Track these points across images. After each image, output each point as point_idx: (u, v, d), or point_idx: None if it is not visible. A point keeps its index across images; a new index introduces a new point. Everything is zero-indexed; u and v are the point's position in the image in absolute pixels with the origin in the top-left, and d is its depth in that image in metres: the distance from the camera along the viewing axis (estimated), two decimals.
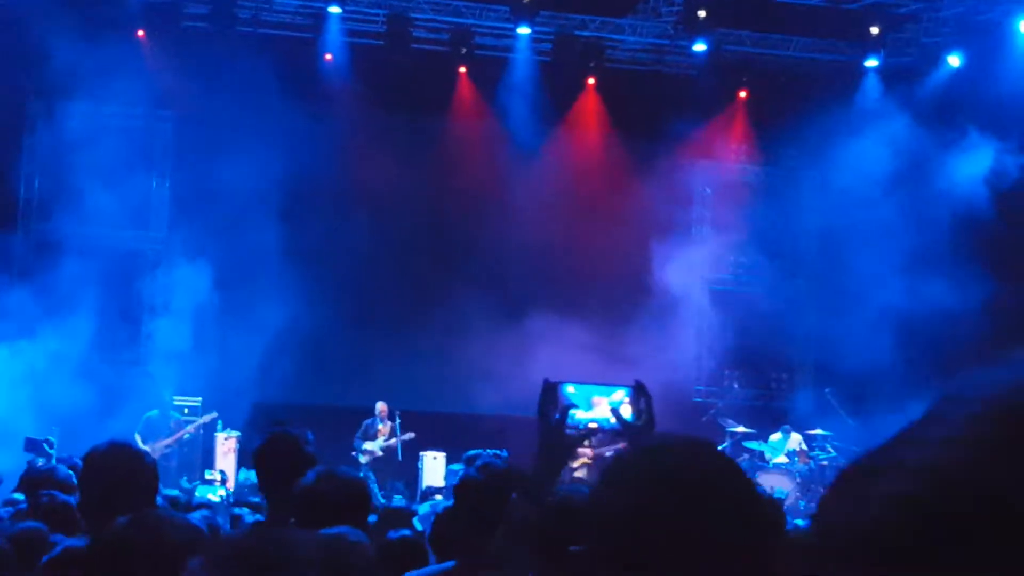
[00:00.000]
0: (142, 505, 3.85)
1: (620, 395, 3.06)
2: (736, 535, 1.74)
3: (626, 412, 3.04)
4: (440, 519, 5.18)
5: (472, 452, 11.68)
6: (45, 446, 11.76)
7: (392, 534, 5.44)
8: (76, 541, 3.61)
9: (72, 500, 5.67)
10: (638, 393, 3.02)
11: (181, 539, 2.66)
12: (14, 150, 16.64)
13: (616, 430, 3.02)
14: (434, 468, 16.15)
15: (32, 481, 6.56)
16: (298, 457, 4.47)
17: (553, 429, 2.96)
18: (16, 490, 6.74)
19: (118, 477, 3.99)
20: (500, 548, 3.33)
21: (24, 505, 6.20)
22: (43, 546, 4.13)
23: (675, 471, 1.77)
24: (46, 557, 3.61)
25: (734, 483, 1.80)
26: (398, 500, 13.79)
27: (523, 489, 3.09)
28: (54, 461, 11.05)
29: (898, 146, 17.50)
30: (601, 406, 3.06)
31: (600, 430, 3.05)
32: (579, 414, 3.05)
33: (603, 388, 3.09)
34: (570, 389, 3.06)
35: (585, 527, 1.78)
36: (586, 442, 15.20)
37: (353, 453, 15.52)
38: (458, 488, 3.99)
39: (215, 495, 12.35)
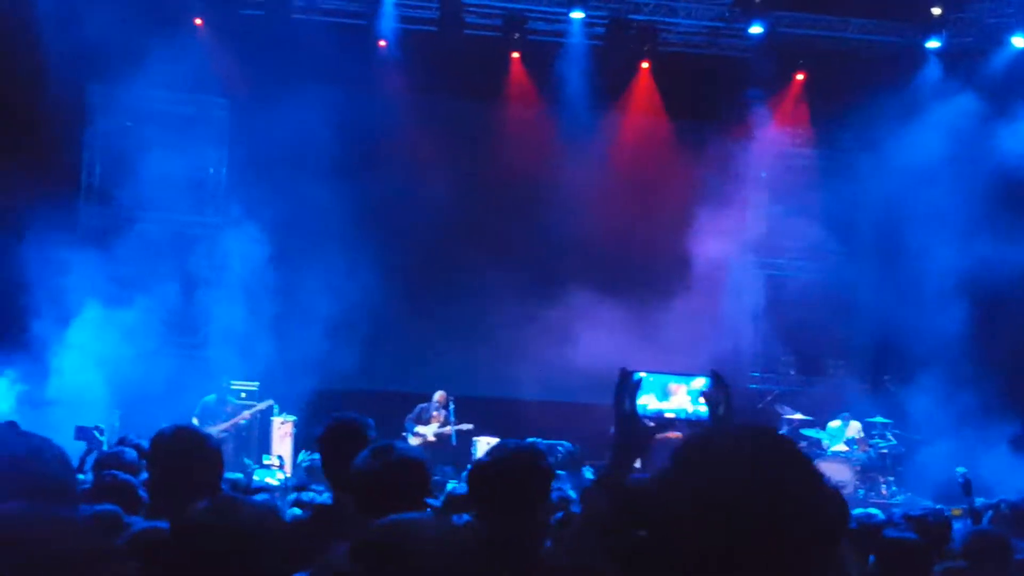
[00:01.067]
0: (208, 488, 3.88)
1: (700, 383, 3.03)
2: (801, 525, 1.72)
3: (701, 403, 3.00)
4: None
5: (530, 439, 11.63)
6: (95, 433, 11.87)
7: (456, 519, 5.44)
8: (151, 523, 3.64)
9: (135, 480, 5.74)
10: (717, 382, 2.98)
11: (261, 523, 2.67)
12: (75, 137, 16.85)
13: (693, 420, 2.99)
14: None
15: (101, 463, 6.63)
16: (361, 444, 4.50)
17: (629, 419, 2.92)
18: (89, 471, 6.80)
19: (184, 460, 4.06)
20: (574, 536, 3.32)
21: (87, 485, 6.26)
22: (118, 527, 4.17)
23: (744, 458, 1.75)
24: (123, 539, 3.64)
25: (801, 473, 1.78)
26: (452, 485, 13.75)
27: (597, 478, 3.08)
28: (104, 447, 11.17)
29: (958, 128, 17.25)
30: (678, 394, 3.02)
31: (676, 421, 3.01)
32: (653, 404, 3.02)
33: (679, 377, 3.05)
34: (643, 374, 3.02)
35: (652, 511, 1.76)
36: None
37: (404, 434, 15.57)
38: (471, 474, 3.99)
39: (274, 479, 12.45)
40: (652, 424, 3.02)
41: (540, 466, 3.79)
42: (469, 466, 14.58)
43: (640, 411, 2.99)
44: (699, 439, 1.78)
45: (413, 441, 15.61)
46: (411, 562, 2.51)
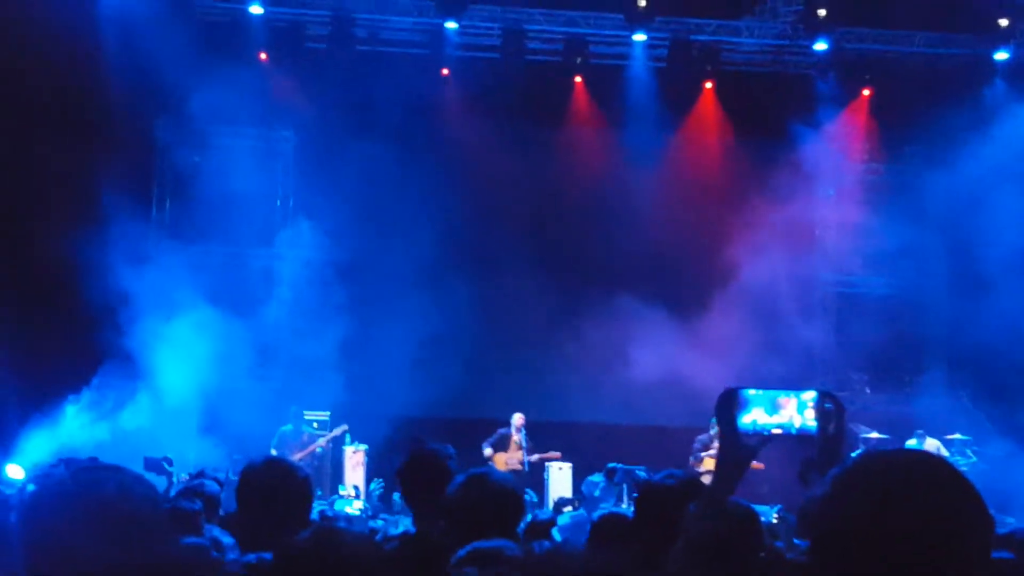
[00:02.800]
0: (298, 519, 3.88)
1: (810, 395, 2.96)
2: (962, 553, 1.69)
3: (810, 417, 2.94)
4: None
5: (611, 465, 11.64)
6: (164, 464, 12.00)
7: (537, 547, 5.39)
8: (255, 555, 3.63)
9: (198, 507, 5.76)
10: (825, 398, 2.92)
11: (363, 552, 2.66)
12: (145, 172, 17.12)
13: (803, 435, 2.92)
14: (560, 479, 16.10)
15: (180, 495, 6.67)
16: (442, 474, 4.49)
17: (731, 439, 2.88)
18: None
19: (276, 491, 4.03)
20: (678, 560, 3.28)
21: None
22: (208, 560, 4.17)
23: (908, 483, 1.73)
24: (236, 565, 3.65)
25: (965, 499, 1.75)
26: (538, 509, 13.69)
27: (701, 500, 3.04)
28: (174, 479, 11.27)
29: None
30: (788, 407, 2.95)
31: (786, 436, 2.95)
32: (762, 418, 2.96)
33: (789, 391, 2.99)
34: (751, 391, 2.96)
35: (814, 534, 1.75)
36: (716, 448, 15.15)
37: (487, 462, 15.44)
38: (641, 497, 3.93)
39: (352, 509, 12.49)
40: (755, 443, 2.96)
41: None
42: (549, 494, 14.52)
43: (748, 427, 2.93)
44: (861, 464, 1.78)
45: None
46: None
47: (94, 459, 7.96)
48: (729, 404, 2.93)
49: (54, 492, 2.34)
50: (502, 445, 15.82)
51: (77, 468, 2.43)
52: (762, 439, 2.96)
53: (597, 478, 14.02)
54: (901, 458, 1.83)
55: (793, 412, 2.95)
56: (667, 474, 3.84)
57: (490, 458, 15.59)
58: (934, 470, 1.77)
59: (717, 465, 2.97)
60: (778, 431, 2.94)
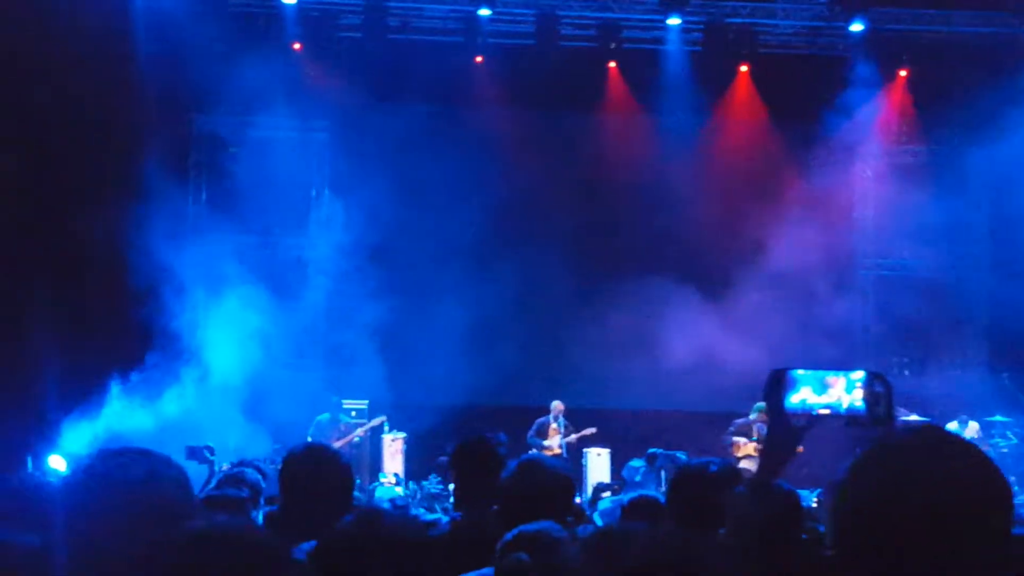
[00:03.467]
0: (341, 505, 3.89)
1: (859, 375, 2.93)
2: (982, 537, 1.68)
3: (857, 397, 2.91)
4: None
5: (652, 450, 11.62)
6: (206, 452, 12.09)
7: (580, 531, 5.40)
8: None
9: (245, 494, 5.79)
10: (874, 379, 2.90)
11: (408, 535, 2.66)
12: (182, 164, 17.20)
13: (853, 415, 2.89)
14: (599, 464, 16.11)
15: (223, 485, 6.70)
16: (493, 459, 4.51)
17: (779, 419, 2.86)
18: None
19: (318, 478, 4.05)
20: (725, 541, 3.27)
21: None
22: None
23: (929, 458, 1.71)
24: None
25: (988, 483, 1.73)
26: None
27: (749, 483, 3.03)
28: (216, 467, 11.34)
29: None
30: (836, 387, 2.93)
31: (834, 415, 2.93)
32: (811, 398, 2.94)
33: (838, 371, 2.96)
34: (800, 372, 2.94)
35: (835, 516, 1.74)
36: (755, 433, 15.09)
37: (532, 451, 15.49)
38: (677, 480, 3.93)
39: (393, 496, 12.52)
40: (803, 423, 2.94)
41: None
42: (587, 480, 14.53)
43: (796, 407, 2.91)
44: (876, 448, 1.76)
45: None
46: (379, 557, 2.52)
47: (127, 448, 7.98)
48: (777, 385, 2.91)
49: (83, 477, 2.35)
50: (542, 433, 15.85)
51: (106, 453, 2.44)
52: (811, 419, 2.94)
53: (638, 463, 14.00)
54: (914, 439, 1.80)
55: (842, 392, 2.92)
56: (707, 461, 3.83)
57: (543, 447, 15.67)
58: (949, 448, 1.76)
59: (765, 445, 2.95)
60: (826, 411, 2.92)
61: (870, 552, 1.73)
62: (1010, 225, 17.14)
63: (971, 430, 16.10)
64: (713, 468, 3.80)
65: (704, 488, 3.68)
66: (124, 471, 2.35)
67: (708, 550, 2.02)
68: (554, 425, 15.89)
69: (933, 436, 1.83)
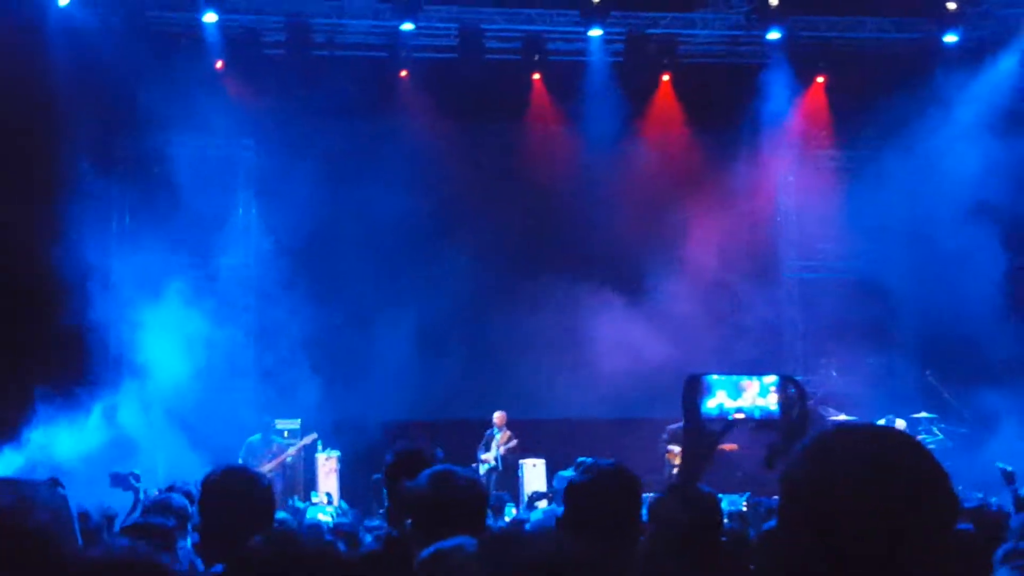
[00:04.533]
0: (260, 527, 3.89)
1: (771, 379, 2.99)
2: (923, 518, 1.74)
3: (772, 401, 2.97)
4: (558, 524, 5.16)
5: (581, 459, 11.61)
6: (131, 479, 11.91)
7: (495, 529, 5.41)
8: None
9: (172, 523, 5.73)
10: (787, 383, 2.96)
11: (318, 554, 2.69)
12: (103, 185, 16.92)
13: (765, 420, 2.94)
14: (534, 475, 16.17)
15: (148, 512, 6.63)
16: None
17: (696, 426, 2.92)
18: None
19: (236, 501, 4.03)
20: (647, 545, 3.33)
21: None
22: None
23: (873, 451, 1.78)
24: None
25: (926, 468, 1.80)
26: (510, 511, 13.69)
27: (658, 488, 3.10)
28: (142, 494, 11.19)
29: (982, 120, 17.21)
30: (750, 391, 2.98)
31: (748, 420, 2.98)
32: (727, 403, 2.99)
33: (751, 376, 3.02)
34: (714, 376, 2.99)
35: (783, 508, 1.79)
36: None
37: (474, 465, 15.47)
38: (567, 492, 3.95)
39: (325, 515, 12.45)
40: (719, 428, 3.00)
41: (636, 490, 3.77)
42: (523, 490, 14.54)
43: (713, 412, 2.97)
44: (826, 438, 1.81)
45: (481, 470, 15.59)
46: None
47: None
48: (693, 390, 2.96)
49: None
50: (488, 446, 15.96)
51: None
52: (726, 424, 2.99)
53: (568, 473, 14.06)
54: (866, 431, 1.86)
55: (755, 396, 2.97)
56: (585, 467, 3.83)
57: (481, 461, 15.74)
58: (898, 443, 1.82)
59: (683, 452, 3.00)
60: (740, 415, 2.97)
61: (810, 533, 1.78)
62: (927, 225, 17.49)
63: (898, 426, 16.38)
64: (587, 477, 3.79)
65: (589, 497, 3.70)
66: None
67: (598, 555, 2.07)
68: (497, 436, 15.97)
69: (884, 429, 1.89)
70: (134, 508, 9.36)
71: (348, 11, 17.52)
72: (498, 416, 16.05)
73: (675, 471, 15.42)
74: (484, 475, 15.47)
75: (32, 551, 2.04)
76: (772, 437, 3.07)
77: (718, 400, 3.03)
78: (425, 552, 3.14)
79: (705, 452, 3.06)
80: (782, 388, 3.01)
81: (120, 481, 11.13)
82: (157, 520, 5.66)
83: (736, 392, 3.02)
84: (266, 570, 2.61)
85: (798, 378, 3.14)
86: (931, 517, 1.79)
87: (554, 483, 14.46)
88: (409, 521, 3.88)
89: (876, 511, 1.76)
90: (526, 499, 14.83)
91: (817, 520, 1.77)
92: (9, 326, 14.63)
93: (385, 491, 4.84)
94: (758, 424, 3.00)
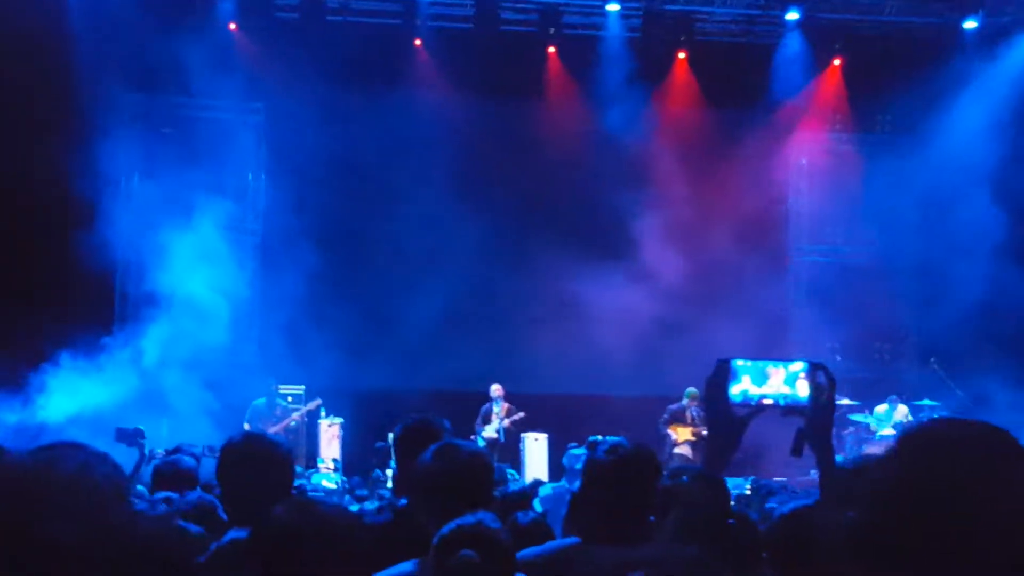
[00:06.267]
0: (280, 494, 3.87)
1: (798, 366, 2.96)
2: (1013, 521, 1.69)
3: (802, 388, 2.94)
4: (574, 501, 5.15)
5: (593, 438, 11.57)
6: (137, 436, 11.88)
7: (521, 516, 5.41)
8: (237, 533, 3.63)
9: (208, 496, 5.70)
10: (816, 369, 2.93)
11: (341, 523, 2.67)
12: (111, 147, 16.85)
13: (792, 406, 2.91)
14: (536, 449, 16.17)
15: (159, 476, 6.61)
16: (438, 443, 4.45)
17: (722, 409, 2.88)
18: (153, 487, 6.76)
19: (257, 467, 4.00)
20: (666, 527, 3.31)
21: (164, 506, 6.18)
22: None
23: (975, 450, 1.72)
24: (214, 545, 3.66)
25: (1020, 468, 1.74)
26: (515, 482, 13.66)
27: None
28: (147, 450, 11.18)
29: (999, 107, 17.13)
30: (775, 378, 2.95)
31: (775, 406, 2.95)
32: (752, 389, 2.95)
33: (777, 362, 2.98)
34: (740, 362, 2.96)
35: (865, 496, 1.74)
36: (689, 418, 15.27)
37: (472, 437, 15.44)
38: (587, 471, 3.92)
39: (330, 482, 12.47)
40: (745, 414, 2.97)
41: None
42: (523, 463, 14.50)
43: (738, 398, 2.94)
44: (923, 431, 1.76)
45: (481, 443, 15.55)
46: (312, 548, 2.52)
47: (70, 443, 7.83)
48: (721, 375, 2.93)
49: (9, 472, 2.29)
50: (486, 420, 15.89)
51: (35, 447, 2.39)
52: (752, 409, 2.96)
53: (579, 451, 14.04)
54: (973, 427, 1.81)
55: (781, 382, 2.95)
56: (609, 446, 3.80)
57: (483, 436, 15.69)
58: (1009, 443, 1.76)
59: (709, 437, 2.97)
60: (768, 401, 2.93)
61: (904, 527, 1.72)
62: (941, 212, 17.43)
63: (900, 413, 16.40)
64: (610, 457, 3.75)
65: (607, 477, 3.68)
66: (56, 465, 2.31)
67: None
68: (496, 409, 15.91)
69: (991, 428, 1.78)
70: (139, 466, 9.36)
71: None
72: (496, 388, 15.98)
73: (675, 450, 15.45)
74: (486, 448, 15.44)
75: (93, 522, 2.01)
76: (781, 423, 3.04)
77: (743, 386, 3.00)
78: (445, 529, 3.10)
79: (733, 436, 3.03)
80: (811, 375, 2.98)
81: (125, 437, 11.08)
82: (208, 497, 5.61)
83: (762, 378, 3.00)
84: (291, 537, 2.58)
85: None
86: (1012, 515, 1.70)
87: (563, 460, 14.43)
88: (412, 496, 3.85)
89: (977, 512, 1.67)
90: (528, 475, 14.81)
91: (909, 515, 1.71)
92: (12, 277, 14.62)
93: (394, 462, 4.79)
94: (784, 410, 2.98)
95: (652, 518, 3.67)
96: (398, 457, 4.66)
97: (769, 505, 6.52)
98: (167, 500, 5.69)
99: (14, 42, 14.41)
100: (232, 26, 17.43)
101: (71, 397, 14.39)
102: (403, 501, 4.50)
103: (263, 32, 17.27)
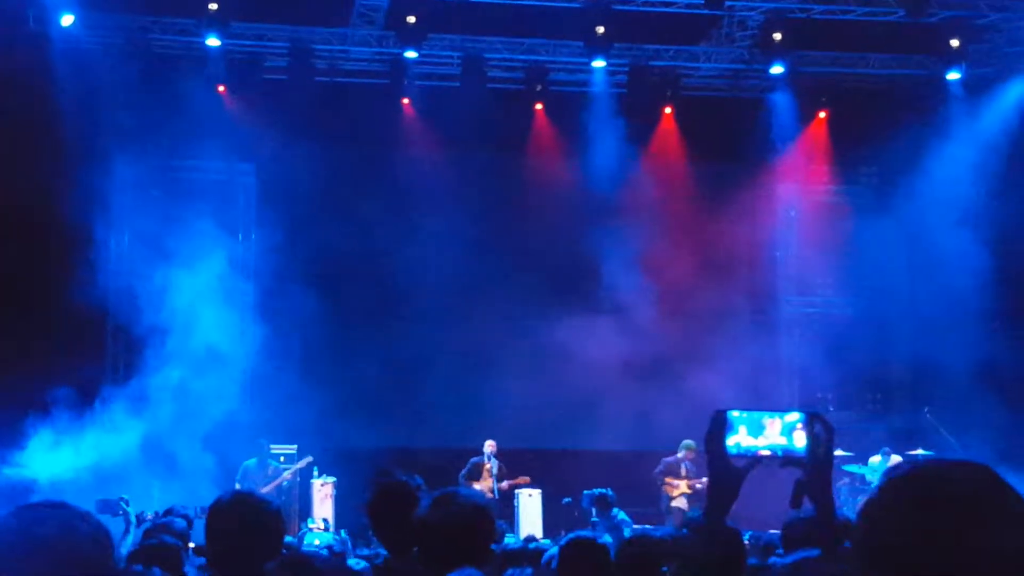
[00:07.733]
0: (270, 552, 3.84)
1: (794, 417, 2.94)
2: (1012, 561, 1.68)
3: (799, 439, 2.93)
4: None
5: (588, 491, 11.58)
6: (121, 504, 11.76)
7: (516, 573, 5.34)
8: None
9: (179, 543, 5.68)
10: (813, 419, 2.91)
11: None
12: (101, 208, 16.85)
13: (789, 457, 2.90)
14: (530, 505, 16.06)
15: (149, 536, 6.57)
16: (411, 503, 4.40)
17: (721, 460, 2.87)
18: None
19: (246, 527, 3.96)
20: None
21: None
22: None
23: (958, 492, 1.72)
24: None
25: (1014, 507, 1.73)
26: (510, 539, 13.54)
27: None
28: (134, 515, 11.07)
29: (984, 159, 17.26)
30: (772, 429, 2.93)
31: (773, 457, 2.92)
32: (747, 440, 2.93)
33: (773, 412, 2.96)
34: (735, 413, 2.94)
35: (862, 544, 1.73)
36: (683, 471, 15.22)
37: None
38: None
39: (322, 542, 12.32)
40: (744, 464, 2.94)
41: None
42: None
43: (734, 450, 2.92)
44: (912, 474, 1.75)
45: None
46: None
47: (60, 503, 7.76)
48: (719, 426, 2.91)
49: None
50: (475, 474, 15.73)
51: (19, 506, 2.36)
52: (750, 461, 2.94)
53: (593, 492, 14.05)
54: (957, 465, 1.80)
55: (777, 433, 2.93)
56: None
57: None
58: (995, 482, 1.76)
59: (709, 488, 2.95)
60: (766, 452, 2.91)
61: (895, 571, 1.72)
62: (929, 261, 17.51)
63: (894, 463, 16.34)
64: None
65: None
66: (38, 525, 2.28)
67: None
68: (488, 465, 15.80)
69: (976, 467, 1.78)
70: (126, 533, 9.25)
71: (351, 38, 17.54)
72: (489, 444, 15.88)
73: (672, 503, 15.39)
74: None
75: None
76: (796, 474, 3.03)
77: (739, 437, 2.98)
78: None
79: (733, 487, 3.00)
80: (809, 425, 2.96)
81: (108, 507, 10.94)
82: (169, 539, 5.60)
83: (758, 429, 2.97)
84: None
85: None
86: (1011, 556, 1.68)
87: (583, 502, 14.37)
88: (416, 549, 3.81)
89: (969, 555, 1.67)
90: (523, 532, 14.70)
91: (897, 560, 1.71)
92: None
93: (369, 522, 4.74)
94: (783, 461, 2.96)
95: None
96: (373, 520, 4.61)
97: (772, 560, 6.43)
98: None
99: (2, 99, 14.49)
100: (221, 88, 17.51)
101: (59, 455, 14.28)
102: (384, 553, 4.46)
103: (252, 93, 17.35)
